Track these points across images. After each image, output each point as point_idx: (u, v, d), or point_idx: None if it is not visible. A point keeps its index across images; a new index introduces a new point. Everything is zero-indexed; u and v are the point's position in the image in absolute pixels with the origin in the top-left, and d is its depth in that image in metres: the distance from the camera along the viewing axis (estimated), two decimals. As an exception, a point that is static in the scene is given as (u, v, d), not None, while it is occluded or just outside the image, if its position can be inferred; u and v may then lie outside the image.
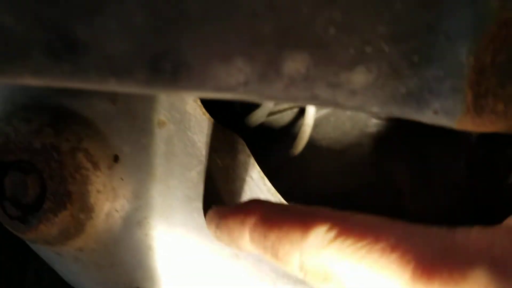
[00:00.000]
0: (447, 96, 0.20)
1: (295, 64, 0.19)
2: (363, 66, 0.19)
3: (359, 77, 0.20)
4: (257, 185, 0.37)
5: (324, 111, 0.60)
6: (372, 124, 0.57)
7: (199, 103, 0.38)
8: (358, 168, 0.55)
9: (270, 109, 0.51)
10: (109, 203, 0.37)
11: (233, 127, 0.52)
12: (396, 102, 0.21)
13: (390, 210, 0.52)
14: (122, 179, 0.37)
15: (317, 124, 0.58)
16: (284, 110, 0.57)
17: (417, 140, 0.56)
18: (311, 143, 0.57)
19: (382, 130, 0.56)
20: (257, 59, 0.18)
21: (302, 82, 0.20)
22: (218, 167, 0.39)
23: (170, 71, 0.18)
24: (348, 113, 0.60)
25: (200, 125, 0.38)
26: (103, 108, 0.36)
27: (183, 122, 0.38)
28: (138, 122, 0.36)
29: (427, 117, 0.20)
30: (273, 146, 0.53)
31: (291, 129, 0.54)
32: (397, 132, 0.57)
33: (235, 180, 0.39)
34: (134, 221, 0.39)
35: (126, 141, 0.37)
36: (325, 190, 0.53)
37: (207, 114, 0.40)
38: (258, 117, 0.51)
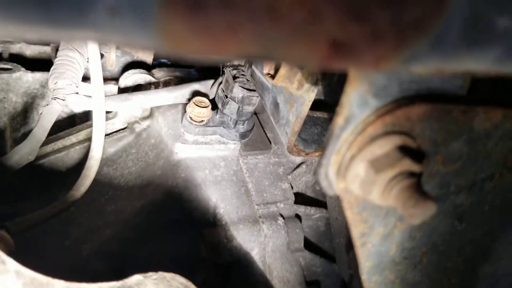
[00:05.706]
0: None
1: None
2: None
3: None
4: None
5: (124, 141, 0.52)
6: (179, 149, 0.50)
7: None
8: (162, 204, 0.47)
9: (35, 149, 0.41)
10: None
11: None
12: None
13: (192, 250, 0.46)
14: None
15: (114, 159, 0.50)
16: (71, 145, 0.48)
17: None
18: (107, 182, 0.48)
19: (192, 156, 0.50)
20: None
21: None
22: None
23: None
24: (152, 141, 0.52)
25: None
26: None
27: None
28: None
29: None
30: (60, 189, 0.43)
31: (81, 167, 0.45)
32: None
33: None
34: None
35: None
36: (124, 236, 0.44)
37: None
38: (22, 155, 0.41)
